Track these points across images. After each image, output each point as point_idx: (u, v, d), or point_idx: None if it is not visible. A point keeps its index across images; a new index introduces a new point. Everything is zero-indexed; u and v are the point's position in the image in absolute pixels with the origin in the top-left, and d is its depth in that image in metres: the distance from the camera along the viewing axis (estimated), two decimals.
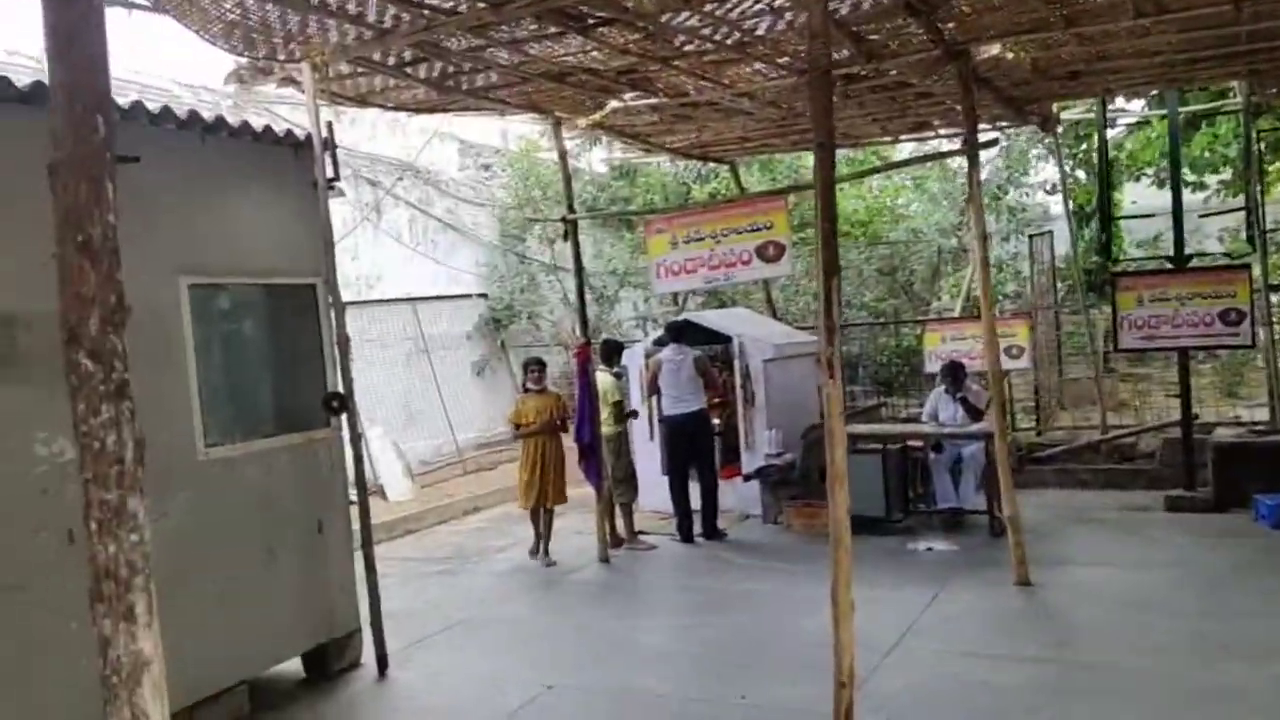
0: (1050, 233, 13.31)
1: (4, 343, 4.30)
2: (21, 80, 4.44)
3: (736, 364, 9.71)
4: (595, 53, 6.66)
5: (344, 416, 5.99)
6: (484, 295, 14.79)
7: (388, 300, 12.89)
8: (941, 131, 10.30)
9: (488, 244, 15.24)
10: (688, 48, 6.68)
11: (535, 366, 8.65)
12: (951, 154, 9.87)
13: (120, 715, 1.82)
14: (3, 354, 4.29)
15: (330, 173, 5.99)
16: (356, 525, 6.17)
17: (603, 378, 8.84)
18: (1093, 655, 5.56)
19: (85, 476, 1.88)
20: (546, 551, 8.39)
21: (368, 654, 6.07)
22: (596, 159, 16.37)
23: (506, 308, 14.75)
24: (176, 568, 4.58)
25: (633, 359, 10.02)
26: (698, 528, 8.87)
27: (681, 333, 9.23)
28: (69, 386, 1.88)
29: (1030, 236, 13.31)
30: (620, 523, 8.84)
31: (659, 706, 5.24)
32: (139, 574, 1.86)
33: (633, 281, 15.36)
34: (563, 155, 8.69)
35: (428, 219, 14.19)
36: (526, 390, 8.72)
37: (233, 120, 5.59)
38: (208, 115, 5.41)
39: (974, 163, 7.17)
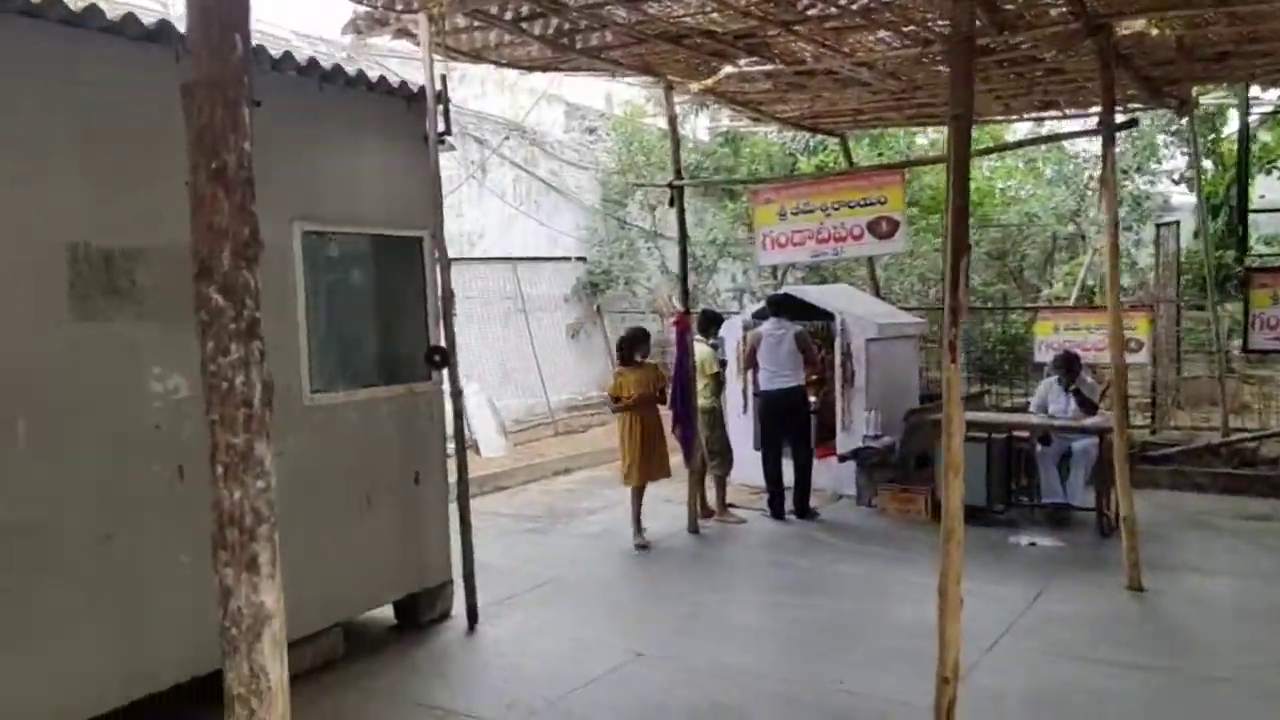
0: (1177, 223, 12.66)
1: (124, 278, 4.36)
2: (148, 20, 4.47)
3: (838, 342, 9.46)
4: (715, 14, 6.49)
5: (445, 371, 5.99)
6: (583, 259, 14.74)
7: (489, 259, 12.93)
8: (1067, 112, 9.86)
9: (589, 207, 15.16)
10: (810, 12, 6.45)
11: (644, 342, 8.04)
12: (1084, 134, 9.39)
13: (239, 670, 1.73)
14: (122, 289, 4.36)
15: (441, 127, 5.96)
16: (452, 479, 6.19)
17: (700, 349, 8.65)
18: (1209, 667, 5.26)
19: (211, 418, 1.78)
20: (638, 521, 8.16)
21: (458, 606, 6.09)
22: (701, 126, 16.16)
23: (604, 272, 14.66)
24: (280, 510, 4.62)
25: (731, 331, 9.85)
26: (789, 505, 8.72)
27: (782, 307, 9.01)
28: (198, 322, 1.79)
29: (1157, 226, 12.67)
30: (711, 494, 8.73)
31: (755, 686, 5.10)
32: (264, 523, 1.77)
33: (732, 252, 15.12)
34: (672, 120, 8.52)
35: (531, 179, 14.17)
36: (629, 364, 8.03)
37: (349, 70, 5.58)
38: (325, 64, 5.40)
39: (1109, 144, 6.79)
